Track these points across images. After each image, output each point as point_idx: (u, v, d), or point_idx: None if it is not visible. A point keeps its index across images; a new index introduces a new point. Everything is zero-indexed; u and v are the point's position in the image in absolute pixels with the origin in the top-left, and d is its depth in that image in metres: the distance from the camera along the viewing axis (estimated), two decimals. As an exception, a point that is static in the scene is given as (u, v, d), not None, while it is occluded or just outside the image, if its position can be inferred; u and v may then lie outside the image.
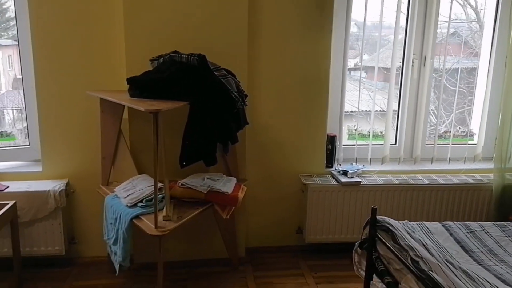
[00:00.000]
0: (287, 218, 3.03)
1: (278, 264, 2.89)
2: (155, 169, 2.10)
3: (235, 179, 2.62)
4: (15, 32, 2.71)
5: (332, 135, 2.99)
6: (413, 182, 2.92)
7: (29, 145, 2.86)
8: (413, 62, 2.99)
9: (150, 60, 2.45)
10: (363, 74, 3.18)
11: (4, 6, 2.82)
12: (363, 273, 2.10)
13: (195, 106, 2.21)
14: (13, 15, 2.72)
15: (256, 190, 2.92)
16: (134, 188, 2.42)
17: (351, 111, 3.15)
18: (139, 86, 2.31)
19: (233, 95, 2.34)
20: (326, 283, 2.69)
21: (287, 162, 2.96)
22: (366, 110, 3.13)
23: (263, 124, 2.87)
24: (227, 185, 2.50)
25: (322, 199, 2.88)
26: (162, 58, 2.40)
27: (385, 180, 2.94)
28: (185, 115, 2.22)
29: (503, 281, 1.71)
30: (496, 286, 1.62)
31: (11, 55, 2.92)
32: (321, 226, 2.92)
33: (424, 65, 2.99)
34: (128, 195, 2.36)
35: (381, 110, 3.15)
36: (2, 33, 2.86)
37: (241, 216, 2.85)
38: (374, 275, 2.03)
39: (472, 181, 2.96)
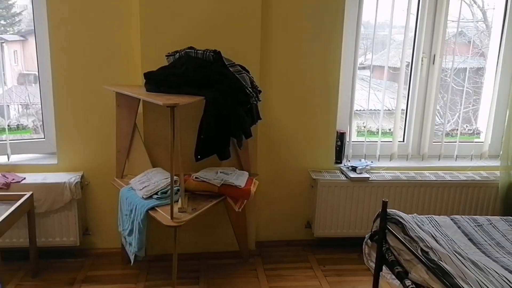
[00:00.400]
0: (297, 212, 3.09)
1: (287, 258, 2.95)
2: (171, 162, 2.16)
3: (247, 173, 2.67)
4: (20, 27, 2.76)
5: (341, 131, 3.05)
6: (421, 179, 2.98)
7: (44, 138, 2.92)
8: (422, 60, 3.04)
9: (166, 56, 2.51)
10: (370, 73, 3.23)
11: (10, 2, 2.86)
12: (373, 264, 2.15)
13: (211, 101, 2.26)
14: (18, 10, 2.77)
15: (266, 185, 2.98)
16: (149, 180, 2.48)
17: (357, 110, 3.20)
18: (156, 80, 2.36)
19: (247, 91, 2.40)
20: (334, 276, 2.75)
21: (297, 157, 3.02)
22: (373, 109, 3.18)
23: (274, 119, 2.93)
24: (239, 179, 2.55)
25: (331, 194, 2.94)
26: (178, 54, 2.45)
27: (393, 176, 2.99)
28: (199, 110, 2.27)
29: (511, 272, 1.76)
30: (504, 276, 1.67)
31: (16, 51, 2.98)
32: (330, 221, 2.98)
33: (433, 63, 3.03)
34: (143, 187, 2.42)
35: (388, 109, 3.19)
36: (8, 29, 2.92)
37: (251, 210, 2.91)
38: (383, 267, 2.09)
39: (478, 178, 3.01)
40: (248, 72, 2.50)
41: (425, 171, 3.08)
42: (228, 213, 2.77)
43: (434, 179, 2.98)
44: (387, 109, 3.17)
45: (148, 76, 2.41)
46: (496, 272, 1.70)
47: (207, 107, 2.28)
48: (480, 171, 3.10)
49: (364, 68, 3.20)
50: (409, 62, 3.09)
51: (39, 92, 2.85)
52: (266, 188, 2.98)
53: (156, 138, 2.69)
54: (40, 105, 2.88)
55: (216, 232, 2.92)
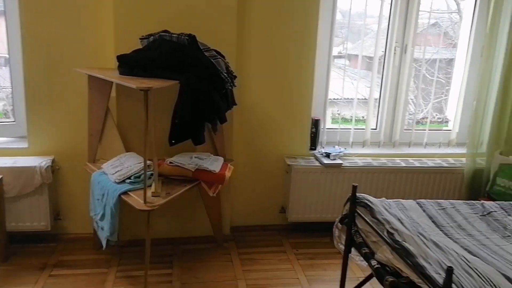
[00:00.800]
0: (271, 198, 3.13)
1: (262, 242, 3.00)
2: (145, 146, 2.16)
3: (222, 158, 2.69)
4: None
5: (316, 118, 3.09)
6: (391, 165, 3.06)
7: (14, 121, 2.86)
8: (395, 50, 3.10)
9: (140, 39, 2.48)
10: (347, 62, 3.28)
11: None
12: (342, 247, 2.21)
13: (185, 85, 2.26)
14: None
15: (241, 170, 3.00)
16: (122, 165, 2.47)
17: (333, 98, 3.24)
18: (130, 63, 2.34)
19: (222, 76, 2.40)
20: (307, 259, 2.81)
21: (272, 143, 3.05)
22: (348, 98, 3.23)
23: (250, 105, 2.95)
24: (214, 164, 2.57)
25: (305, 179, 2.99)
26: (152, 37, 2.43)
27: (365, 162, 3.06)
28: (174, 94, 2.27)
29: (470, 252, 1.84)
30: (463, 256, 1.75)
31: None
32: (304, 206, 3.03)
33: (405, 53, 3.10)
34: (116, 172, 2.41)
35: (363, 98, 3.25)
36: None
37: (226, 195, 2.94)
38: (352, 249, 2.15)
39: (445, 165, 3.11)
40: (223, 57, 2.50)
41: (396, 158, 3.16)
42: (202, 198, 2.78)
43: (404, 165, 3.07)
44: (362, 97, 3.23)
45: (121, 59, 2.39)
46: (456, 252, 1.78)
47: (181, 92, 2.27)
48: (448, 158, 3.20)
49: (342, 57, 3.25)
50: (384, 52, 3.15)
51: (9, 75, 2.78)
52: (241, 173, 3.01)
53: (129, 122, 2.67)
54: (10, 89, 2.81)
55: (190, 217, 2.93)
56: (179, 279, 2.53)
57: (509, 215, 2.23)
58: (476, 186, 3.12)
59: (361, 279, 2.38)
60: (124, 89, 2.56)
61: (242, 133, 2.96)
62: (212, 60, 2.39)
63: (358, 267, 2.58)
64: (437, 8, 3.36)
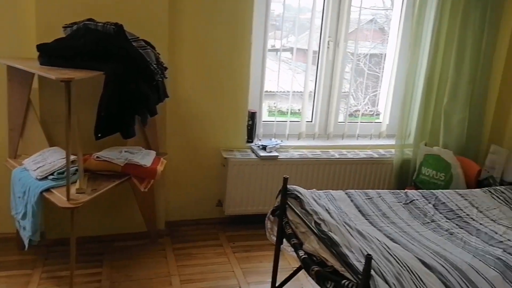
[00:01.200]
0: (208, 191, 3.10)
1: (198, 236, 2.97)
2: (67, 139, 2.05)
3: (155, 152, 2.62)
4: None
5: (253, 111, 3.09)
6: (326, 157, 3.13)
7: None
8: (328, 44, 3.16)
9: (63, 27, 2.34)
10: (290, 55, 3.31)
11: None
12: (274, 238, 2.24)
13: (111, 76, 2.16)
14: None
15: (177, 164, 2.95)
16: (44, 160, 2.33)
17: (271, 91, 3.26)
18: (51, 53, 2.21)
19: (152, 67, 2.33)
20: (242, 251, 2.82)
21: (208, 136, 3.01)
22: (284, 91, 3.26)
23: (185, 98, 2.89)
24: (145, 158, 2.50)
25: (241, 172, 2.99)
26: (76, 26, 2.30)
27: (301, 154, 3.11)
28: (101, 85, 2.17)
29: (391, 239, 1.93)
30: (385, 243, 1.83)
31: None
32: (240, 199, 3.03)
33: (338, 47, 3.17)
34: (38, 168, 2.27)
35: (300, 91, 3.29)
36: None
37: (160, 190, 2.87)
38: (284, 240, 2.18)
39: (376, 156, 3.24)
40: (153, 48, 2.42)
41: (330, 150, 3.24)
42: (134, 193, 2.70)
43: (337, 157, 3.16)
44: (299, 90, 3.27)
45: (41, 48, 2.24)
46: (378, 240, 1.85)
47: (107, 83, 2.17)
48: (379, 149, 3.34)
49: (284, 50, 3.27)
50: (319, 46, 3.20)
51: None
52: (176, 167, 2.95)
53: (53, 116, 2.52)
54: None
55: (122, 213, 2.84)
56: (109, 278, 2.45)
57: (430, 203, 2.36)
58: (404, 176, 3.28)
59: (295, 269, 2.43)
60: (47, 81, 2.39)
61: (177, 126, 2.90)
62: (140, 50, 2.30)
63: (291, 257, 2.63)
64: (374, 4, 3.48)
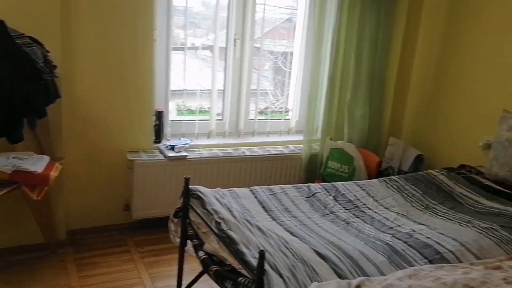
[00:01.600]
0: (114, 196, 2.96)
1: (103, 244, 2.82)
2: None
3: (48, 157, 2.43)
4: None
5: (159, 110, 3.00)
6: (236, 154, 3.14)
7: None
8: (235, 42, 3.17)
9: None
10: (209, 53, 3.26)
11: None
12: (179, 240, 2.19)
13: (-11, 75, 1.97)
14: None
15: (77, 169, 2.77)
16: None
17: (178, 90, 3.19)
18: None
19: (38, 66, 2.16)
20: (151, 256, 2.74)
21: (112, 138, 2.87)
22: (192, 90, 3.21)
23: (85, 98, 2.72)
24: (37, 164, 2.31)
25: (149, 174, 2.89)
26: None
27: (211, 153, 3.09)
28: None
29: (291, 233, 1.98)
30: (283, 237, 1.87)
31: None
32: (149, 201, 2.94)
33: (245, 45, 3.18)
34: None
35: (207, 89, 3.26)
36: None
37: (58, 197, 2.68)
38: (189, 242, 2.14)
39: (286, 152, 3.32)
40: (40, 45, 2.25)
41: (241, 147, 3.26)
42: (27, 202, 2.49)
43: (248, 154, 3.18)
44: (209, 88, 3.24)
45: None
46: (277, 234, 1.89)
47: (-16, 84, 1.98)
48: (289, 145, 3.42)
49: (204, 48, 3.22)
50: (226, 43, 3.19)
51: None
52: (76, 172, 2.78)
53: None
54: None
55: (16, 224, 2.61)
56: (0, 296, 2.24)
57: (330, 195, 2.46)
58: (312, 170, 3.40)
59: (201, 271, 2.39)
60: None
61: (76, 128, 2.72)
62: (25, 48, 2.12)
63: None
64: (288, 4, 3.54)
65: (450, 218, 2.27)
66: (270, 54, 3.70)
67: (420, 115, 3.53)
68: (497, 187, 2.61)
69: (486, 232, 2.07)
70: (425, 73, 3.47)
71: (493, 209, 2.36)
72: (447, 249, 1.93)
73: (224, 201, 2.14)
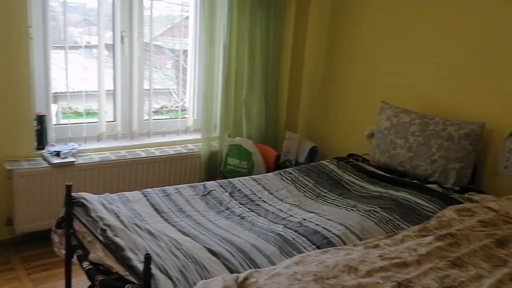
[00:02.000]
0: (-8, 210, 2.67)
1: (-19, 265, 2.53)
2: None
3: None
4: None
5: (41, 114, 2.76)
6: (131, 157, 3.02)
7: None
8: (123, 40, 3.03)
9: None
10: (106, 52, 3.05)
11: None
12: (64, 252, 2.04)
13: None
14: None
15: None
16: None
17: (61, 92, 2.97)
18: None
19: None
20: (40, 271, 2.53)
21: (-16, 147, 2.58)
22: (75, 92, 3.01)
23: None
24: None
25: (32, 184, 2.65)
26: None
27: (102, 157, 2.92)
28: None
29: (184, 233, 1.94)
30: (174, 238, 1.82)
31: None
32: (34, 213, 2.69)
33: (134, 43, 3.06)
34: None
35: (94, 90, 3.09)
36: None
37: None
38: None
39: (185, 151, 3.27)
40: None
41: (136, 149, 3.13)
42: None
43: (144, 156, 3.07)
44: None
45: None
46: (168, 236, 1.84)
47: None
48: (187, 144, 3.37)
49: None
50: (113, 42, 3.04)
51: None
52: None
53: None
54: None
55: None
56: None
57: (226, 191, 2.47)
58: (213, 168, 3.39)
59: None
60: None
61: None
62: None
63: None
64: (186, 1, 3.46)
65: (338, 204, 2.41)
66: (171, 52, 3.62)
67: (313, 109, 3.71)
68: (379, 172, 2.83)
69: (368, 215, 2.23)
70: (315, 70, 3.65)
71: (375, 193, 2.56)
72: (333, 233, 2.03)
73: (112, 207, 2.03)
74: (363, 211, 2.28)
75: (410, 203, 2.36)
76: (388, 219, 2.22)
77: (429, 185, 2.58)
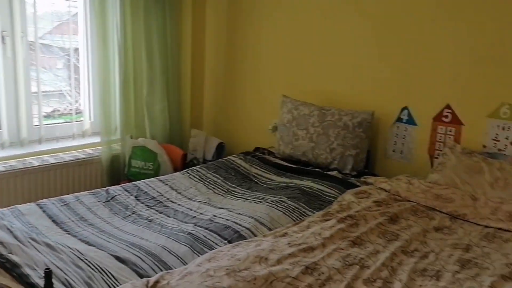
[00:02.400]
0: None
1: None
2: None
3: None
4: None
5: None
6: (22, 166, 2.75)
7: None
8: (4, 39, 2.74)
9: None
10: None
11: None
12: None
13: None
14: None
15: None
16: None
17: None
18: None
19: None
20: None
21: None
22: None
23: None
24: None
25: None
26: None
27: (-13, 169, 2.62)
28: None
29: (87, 242, 1.82)
30: (76, 249, 1.71)
31: None
32: None
33: (16, 43, 2.78)
34: None
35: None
36: None
37: None
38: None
39: (83, 156, 3.07)
40: None
41: (27, 158, 2.86)
42: None
43: (37, 164, 2.82)
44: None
45: None
46: (69, 247, 1.71)
47: None
48: (86, 149, 3.17)
49: None
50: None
51: None
52: None
53: None
54: None
55: None
56: None
57: (132, 195, 2.37)
58: (116, 172, 3.23)
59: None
60: None
61: None
62: None
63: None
64: None
65: (247, 198, 2.45)
66: (62, 51, 3.35)
67: (217, 105, 3.73)
68: (285, 163, 2.95)
69: (276, 205, 2.31)
70: (217, 66, 3.67)
71: (281, 184, 2.65)
72: (244, 227, 2.07)
73: (4, 222, 1.83)
74: (271, 202, 2.35)
75: (313, 190, 2.49)
76: (294, 208, 2.31)
77: (329, 172, 2.75)
